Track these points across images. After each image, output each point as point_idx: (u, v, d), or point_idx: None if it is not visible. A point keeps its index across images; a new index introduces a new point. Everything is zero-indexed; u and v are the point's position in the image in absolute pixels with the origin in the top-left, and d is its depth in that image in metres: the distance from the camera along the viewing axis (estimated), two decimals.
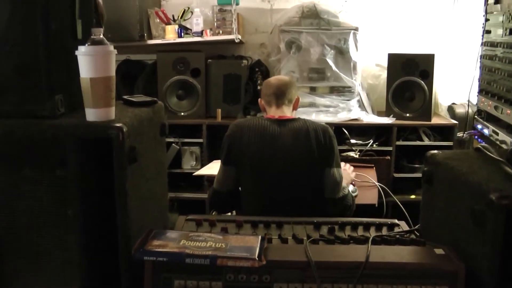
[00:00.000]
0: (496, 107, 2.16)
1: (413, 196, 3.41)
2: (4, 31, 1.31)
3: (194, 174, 3.09)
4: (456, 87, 3.48)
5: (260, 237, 1.31)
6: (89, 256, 1.36)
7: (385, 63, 3.51)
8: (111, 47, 1.36)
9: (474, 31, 3.13)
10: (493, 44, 2.27)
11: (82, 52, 1.31)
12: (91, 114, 1.34)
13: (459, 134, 3.34)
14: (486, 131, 2.27)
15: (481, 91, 2.41)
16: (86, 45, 1.34)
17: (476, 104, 2.47)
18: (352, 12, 3.52)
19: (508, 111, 2.02)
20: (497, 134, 2.13)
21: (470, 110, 3.36)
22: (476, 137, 2.44)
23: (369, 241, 1.34)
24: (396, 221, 1.82)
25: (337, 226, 1.72)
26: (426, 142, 3.37)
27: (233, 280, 1.21)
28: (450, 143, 3.32)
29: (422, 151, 3.41)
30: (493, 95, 2.18)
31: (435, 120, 3.42)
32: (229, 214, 2.62)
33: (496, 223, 1.14)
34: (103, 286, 1.37)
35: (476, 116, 2.43)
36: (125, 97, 1.66)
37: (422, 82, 3.31)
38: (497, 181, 1.24)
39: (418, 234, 1.63)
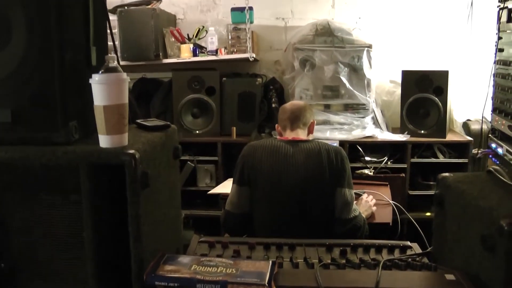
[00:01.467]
0: (510, 127, 2.15)
1: (428, 214, 3.38)
2: (21, 61, 1.35)
3: (208, 192, 3.11)
4: (471, 104, 3.46)
5: (271, 262, 1.32)
6: (103, 279, 1.38)
7: (399, 79, 3.51)
8: (124, 75, 1.39)
9: (488, 47, 3.13)
10: (506, 63, 2.26)
11: (96, 81, 1.34)
12: (105, 141, 1.37)
13: (474, 151, 3.32)
14: (500, 150, 2.25)
15: (494, 110, 2.40)
16: (100, 73, 1.38)
17: (490, 122, 2.45)
18: (365, 29, 3.53)
19: None
20: (511, 153, 2.11)
21: (485, 127, 3.35)
22: (490, 156, 2.43)
23: (379, 266, 1.34)
24: (408, 243, 1.82)
25: (349, 248, 1.72)
26: (441, 159, 3.35)
27: None
28: (465, 160, 3.29)
29: (437, 168, 3.41)
30: (507, 114, 2.16)
31: (450, 137, 3.40)
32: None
33: (507, 248, 1.14)
34: None
35: (490, 135, 2.42)
36: (138, 121, 1.69)
37: (437, 99, 3.29)
38: (508, 206, 1.24)
39: (431, 256, 1.63)
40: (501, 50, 2.32)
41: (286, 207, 2.34)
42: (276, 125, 2.63)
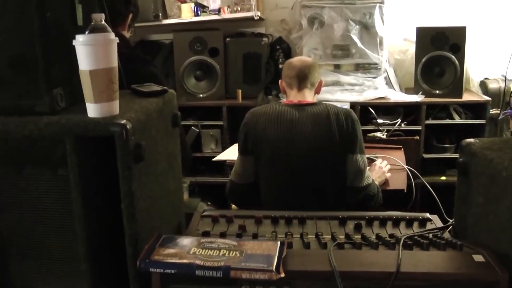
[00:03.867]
0: None
1: (443, 178, 3.25)
2: None
3: (214, 159, 2.98)
4: (488, 61, 3.27)
5: (279, 243, 1.19)
6: (96, 259, 1.27)
7: (412, 37, 3.32)
8: (112, 35, 1.24)
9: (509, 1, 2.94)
10: None
11: (80, 42, 1.20)
12: (93, 110, 1.23)
13: (493, 111, 3.16)
14: None
15: None
16: (85, 33, 1.23)
17: None
18: None
19: None
20: None
21: (504, 85, 3.18)
22: None
23: (399, 245, 1.21)
24: (428, 215, 1.69)
25: (364, 221, 1.60)
26: (457, 120, 3.18)
27: None
28: (483, 121, 3.13)
29: (453, 130, 3.25)
30: None
31: (466, 97, 3.22)
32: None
33: None
34: None
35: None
36: (133, 86, 1.54)
37: (453, 57, 3.10)
38: None
39: (453, 230, 1.50)
40: None
41: (293, 177, 2.20)
42: (280, 81, 2.46)
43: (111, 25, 2.05)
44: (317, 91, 2.42)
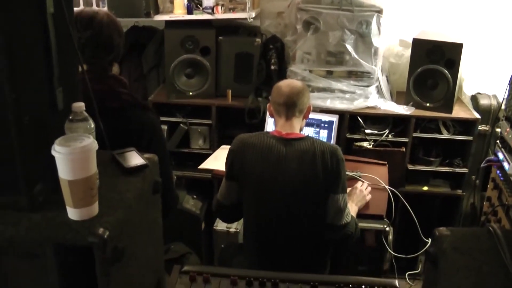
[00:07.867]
0: None
1: (425, 188, 3.31)
2: None
3: (199, 167, 3.01)
4: (482, 77, 3.25)
5: None
6: None
7: (409, 38, 3.27)
8: (92, 143, 1.24)
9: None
10: None
11: (58, 154, 1.19)
12: (72, 213, 1.25)
13: (481, 128, 3.18)
14: (506, 166, 2.10)
15: (507, 119, 2.20)
16: (62, 142, 1.22)
17: (500, 130, 2.27)
18: None
19: None
20: None
21: (494, 103, 3.18)
22: (495, 166, 2.28)
23: None
24: (396, 283, 1.77)
25: None
26: (445, 135, 3.19)
27: None
28: (470, 138, 3.14)
29: (440, 142, 3.26)
30: None
31: (456, 111, 3.19)
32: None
33: None
34: None
35: (498, 142, 2.25)
36: (115, 154, 1.55)
37: (447, 72, 3.05)
38: None
39: None
40: None
41: (275, 211, 2.27)
42: (268, 105, 2.44)
43: (117, 65, 2.05)
44: (306, 117, 2.42)
